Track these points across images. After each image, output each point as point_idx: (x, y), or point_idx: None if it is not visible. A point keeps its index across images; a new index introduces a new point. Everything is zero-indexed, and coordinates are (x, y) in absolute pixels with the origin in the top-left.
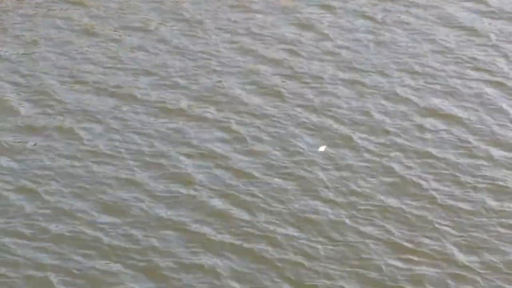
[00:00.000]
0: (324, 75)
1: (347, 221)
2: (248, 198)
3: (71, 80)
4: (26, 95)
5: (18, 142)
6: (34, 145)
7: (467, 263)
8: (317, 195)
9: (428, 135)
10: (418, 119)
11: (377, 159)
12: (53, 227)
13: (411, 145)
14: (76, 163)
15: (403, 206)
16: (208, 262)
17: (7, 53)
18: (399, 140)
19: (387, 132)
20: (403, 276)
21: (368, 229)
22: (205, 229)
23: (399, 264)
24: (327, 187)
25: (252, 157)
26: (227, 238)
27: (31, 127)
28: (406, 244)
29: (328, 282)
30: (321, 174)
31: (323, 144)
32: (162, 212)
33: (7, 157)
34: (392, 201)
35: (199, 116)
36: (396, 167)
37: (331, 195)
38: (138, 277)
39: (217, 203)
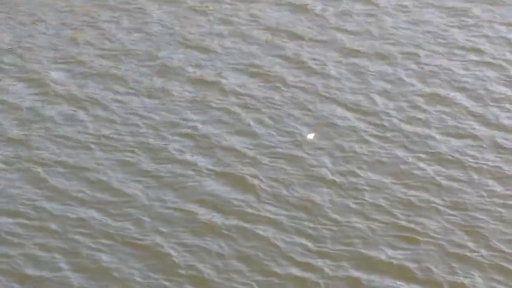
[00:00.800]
0: (325, 60)
1: (350, 204)
2: (252, 181)
3: (70, 64)
4: (25, 79)
5: (21, 127)
6: (37, 130)
7: (470, 245)
8: (320, 178)
9: (431, 120)
10: (421, 104)
11: (380, 143)
12: (58, 211)
13: (413, 130)
14: (80, 148)
15: (406, 190)
16: (211, 244)
17: (6, 37)
18: (401, 125)
19: (390, 116)
20: (406, 257)
21: (371, 212)
22: (209, 212)
23: (402, 245)
24: (330, 171)
25: (254, 140)
26: (231, 220)
27: (33, 112)
28: (409, 225)
29: (331, 263)
30: (324, 158)
31: (312, 132)
32: (166, 195)
33: (11, 143)
34: (395, 185)
35: (201, 100)
36: (399, 151)
37: (334, 179)
38: (142, 258)
39: (220, 185)
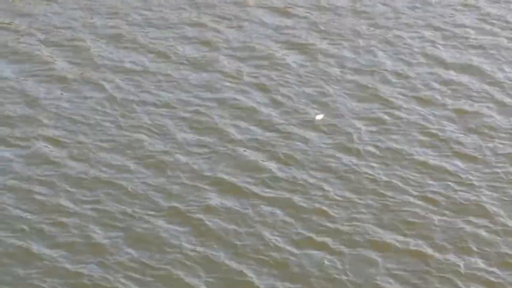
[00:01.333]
0: (357, 33)
1: (379, 175)
2: (281, 151)
3: (103, 35)
4: (57, 47)
5: (49, 91)
6: (61, 94)
7: (499, 214)
8: (350, 149)
9: (459, 90)
10: (448, 75)
11: (408, 116)
12: (85, 174)
13: (442, 101)
14: (108, 115)
15: (433, 160)
16: (239, 209)
17: (40, 7)
18: (431, 96)
19: (418, 89)
20: (435, 226)
21: (398, 183)
22: (239, 180)
23: (431, 215)
24: (361, 142)
25: (285, 112)
26: (260, 189)
27: (61, 78)
28: (438, 198)
29: (357, 228)
30: (354, 130)
31: (321, 114)
32: (196, 164)
33: (36, 106)
34: (425, 155)
35: (233, 71)
36: (429, 123)
37: (364, 150)
38: (172, 223)
39: (251, 156)
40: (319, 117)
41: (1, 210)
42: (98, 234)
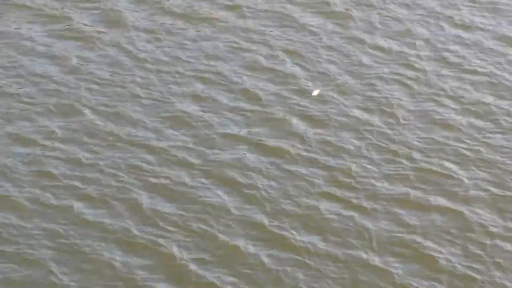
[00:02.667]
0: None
1: (410, 138)
2: (317, 115)
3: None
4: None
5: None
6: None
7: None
8: (384, 112)
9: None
10: (478, 40)
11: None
12: (121, 136)
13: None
14: (137, 76)
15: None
16: (272, 170)
17: None
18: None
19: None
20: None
21: (427, 146)
22: (272, 141)
23: (460, 175)
24: (391, 105)
25: (317, 75)
26: (298, 149)
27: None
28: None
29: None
30: (387, 94)
31: (318, 90)
32: (230, 125)
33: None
34: (456, 115)
35: (259, 34)
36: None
37: (396, 114)
38: (209, 182)
39: (285, 118)
40: (316, 92)
41: (52, 178)
42: (139, 194)
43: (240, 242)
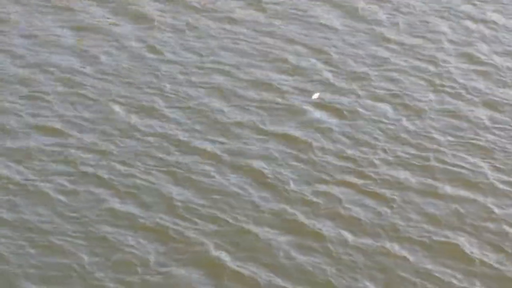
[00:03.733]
0: None
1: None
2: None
3: None
4: None
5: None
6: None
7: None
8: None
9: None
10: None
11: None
12: (151, 131)
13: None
14: (159, 70)
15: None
16: (294, 160)
17: None
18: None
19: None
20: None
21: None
22: (296, 132)
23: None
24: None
25: (337, 69)
26: (319, 139)
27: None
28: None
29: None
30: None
31: (317, 93)
32: (250, 117)
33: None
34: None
35: (280, 30)
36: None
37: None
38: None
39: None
40: (315, 96)
41: (79, 169)
42: (166, 186)
43: (264, 231)
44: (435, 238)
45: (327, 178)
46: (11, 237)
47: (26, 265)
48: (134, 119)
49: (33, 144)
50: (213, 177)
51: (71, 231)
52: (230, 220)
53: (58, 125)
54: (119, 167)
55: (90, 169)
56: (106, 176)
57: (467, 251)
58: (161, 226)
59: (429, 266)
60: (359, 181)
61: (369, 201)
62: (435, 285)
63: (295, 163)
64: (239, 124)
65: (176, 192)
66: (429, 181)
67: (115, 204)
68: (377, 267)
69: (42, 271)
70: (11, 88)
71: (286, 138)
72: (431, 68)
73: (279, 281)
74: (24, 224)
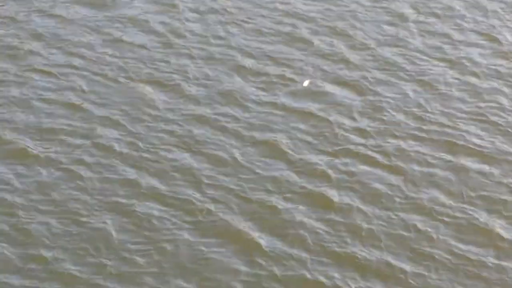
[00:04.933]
0: None
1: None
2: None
3: None
4: None
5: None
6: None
7: None
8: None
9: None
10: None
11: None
12: (175, 106)
13: None
14: (187, 54)
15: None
16: (319, 140)
17: None
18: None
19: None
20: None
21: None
22: (319, 112)
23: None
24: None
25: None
26: (341, 117)
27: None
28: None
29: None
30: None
31: (308, 80)
32: (277, 99)
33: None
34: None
35: (302, 11)
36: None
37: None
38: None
39: (330, 90)
40: (306, 83)
41: (110, 151)
42: (194, 164)
43: (288, 205)
44: (456, 213)
45: (349, 153)
46: (40, 214)
47: (53, 241)
48: (163, 100)
49: (57, 120)
50: (235, 153)
51: (97, 206)
52: (255, 195)
53: (81, 102)
54: (143, 144)
55: (115, 145)
56: (131, 152)
57: (487, 226)
58: (187, 202)
59: (452, 241)
60: (379, 156)
61: (392, 177)
62: (456, 258)
63: (316, 139)
64: (260, 101)
65: (200, 167)
66: (449, 157)
67: (147, 184)
68: (397, 240)
69: (71, 247)
70: (34, 64)
71: (311, 117)
72: (449, 47)
73: (305, 256)
74: (52, 202)
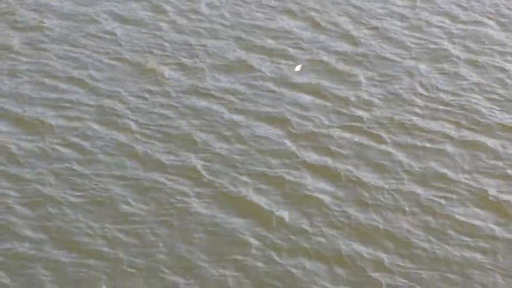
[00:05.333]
0: None
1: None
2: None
3: None
4: None
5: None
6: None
7: None
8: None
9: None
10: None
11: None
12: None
13: None
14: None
15: None
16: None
17: None
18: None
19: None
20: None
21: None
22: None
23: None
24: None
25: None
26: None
27: None
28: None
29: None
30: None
31: (299, 65)
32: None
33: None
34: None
35: None
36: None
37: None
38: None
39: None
40: (298, 67)
41: (122, 118)
42: (209, 140)
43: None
44: (464, 187)
45: (364, 129)
46: (48, 187)
47: (64, 212)
48: (164, 71)
49: (65, 95)
50: (241, 127)
51: (105, 178)
52: (270, 169)
53: (93, 82)
54: (167, 121)
55: (123, 119)
56: (138, 125)
57: (496, 199)
58: (194, 171)
59: (459, 214)
60: (384, 132)
61: (398, 152)
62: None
63: (331, 115)
64: (265, 76)
65: (207, 140)
66: (464, 132)
67: (162, 155)
68: (414, 209)
69: (81, 219)
70: (44, 39)
71: (313, 89)
72: (456, 24)
73: (325, 230)
74: (60, 174)
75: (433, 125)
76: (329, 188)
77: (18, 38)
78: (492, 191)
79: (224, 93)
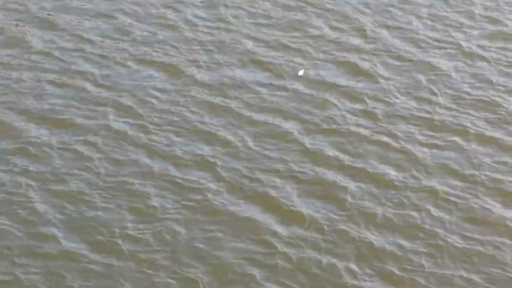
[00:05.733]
0: None
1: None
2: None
3: None
4: None
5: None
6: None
7: None
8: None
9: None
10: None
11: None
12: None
13: None
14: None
15: None
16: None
17: None
18: None
19: None
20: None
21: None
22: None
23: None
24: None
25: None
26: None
27: None
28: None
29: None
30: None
31: (302, 69)
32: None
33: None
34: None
35: None
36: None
37: None
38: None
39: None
40: (301, 72)
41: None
42: (209, 124)
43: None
44: (467, 197)
45: (382, 123)
46: (52, 196)
47: (64, 222)
48: (166, 81)
49: (67, 103)
50: (245, 136)
51: (108, 188)
52: (289, 165)
53: (89, 84)
54: (153, 127)
55: (126, 129)
56: (140, 135)
57: (500, 210)
58: (196, 183)
59: (463, 225)
60: (389, 140)
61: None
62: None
63: (349, 111)
64: (270, 85)
65: (210, 150)
66: (481, 123)
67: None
68: (409, 223)
69: (83, 228)
70: (43, 49)
71: (315, 99)
72: (458, 34)
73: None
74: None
75: (454, 121)
76: (350, 184)
77: (38, 36)
78: (497, 202)
79: (243, 89)
